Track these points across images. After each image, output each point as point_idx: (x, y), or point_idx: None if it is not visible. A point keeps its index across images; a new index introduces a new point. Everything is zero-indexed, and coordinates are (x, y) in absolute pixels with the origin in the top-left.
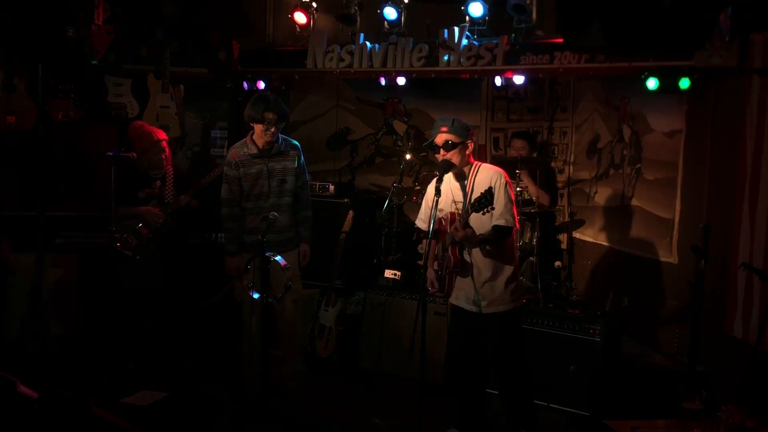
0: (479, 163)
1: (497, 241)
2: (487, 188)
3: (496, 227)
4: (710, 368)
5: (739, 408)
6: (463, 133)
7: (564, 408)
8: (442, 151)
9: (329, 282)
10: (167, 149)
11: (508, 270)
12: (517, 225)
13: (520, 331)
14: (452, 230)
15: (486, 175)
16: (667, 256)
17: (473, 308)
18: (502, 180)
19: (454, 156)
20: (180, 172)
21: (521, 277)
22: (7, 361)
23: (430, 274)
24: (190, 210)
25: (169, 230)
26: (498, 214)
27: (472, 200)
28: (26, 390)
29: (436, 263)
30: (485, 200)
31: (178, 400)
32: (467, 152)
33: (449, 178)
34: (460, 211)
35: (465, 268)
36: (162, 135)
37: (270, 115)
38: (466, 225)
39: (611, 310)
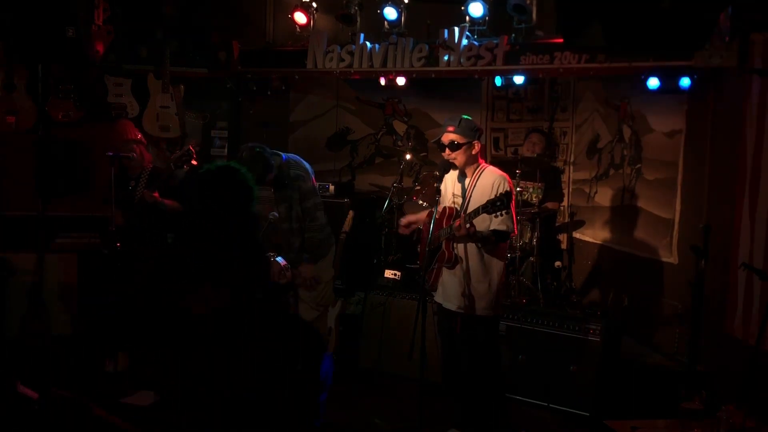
0: (485, 165)
1: (493, 243)
2: (504, 191)
3: (495, 231)
4: (710, 368)
5: (739, 408)
6: (470, 133)
7: (564, 408)
8: (447, 151)
9: None
10: (138, 149)
11: (495, 277)
12: (516, 232)
13: (495, 340)
14: (455, 226)
15: (489, 178)
16: (667, 256)
17: (453, 307)
18: (506, 185)
19: (458, 156)
20: (157, 173)
21: (522, 277)
22: (7, 361)
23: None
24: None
25: (141, 230)
26: (500, 220)
27: (484, 201)
28: (26, 390)
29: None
30: (501, 204)
31: (177, 400)
32: (473, 152)
33: (451, 174)
34: (458, 207)
35: (456, 264)
36: (133, 135)
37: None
38: (470, 224)
39: (611, 310)
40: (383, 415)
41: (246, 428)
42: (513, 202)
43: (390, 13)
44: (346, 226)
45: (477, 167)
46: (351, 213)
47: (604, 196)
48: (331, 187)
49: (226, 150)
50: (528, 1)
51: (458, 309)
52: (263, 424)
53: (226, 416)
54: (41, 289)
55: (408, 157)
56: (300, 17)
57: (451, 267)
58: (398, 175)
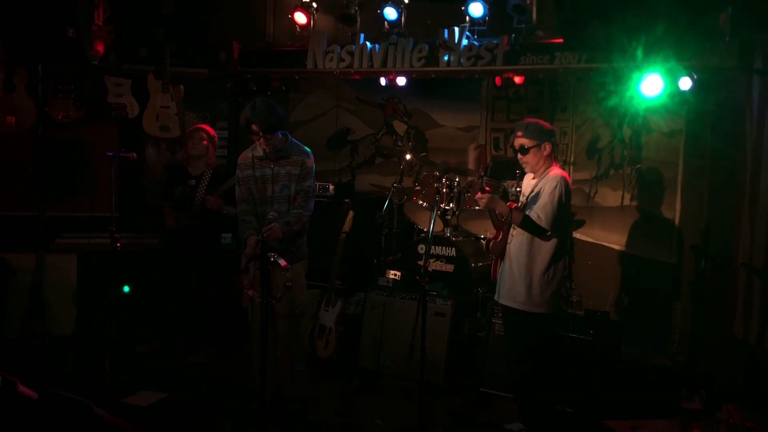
0: (554, 168)
1: (524, 229)
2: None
3: (525, 216)
4: (710, 368)
5: (739, 408)
6: (540, 135)
7: (563, 408)
8: (518, 155)
9: (329, 282)
10: (205, 142)
11: (536, 273)
12: (549, 230)
13: (531, 338)
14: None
15: (545, 179)
16: (667, 256)
17: (496, 295)
18: (554, 182)
19: (529, 159)
20: (220, 174)
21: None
22: (7, 361)
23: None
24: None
25: (192, 231)
26: (534, 207)
27: (536, 203)
28: (26, 390)
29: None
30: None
31: (178, 400)
32: (544, 154)
33: (527, 177)
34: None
35: (504, 250)
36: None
37: (253, 127)
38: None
39: (611, 310)
40: (383, 415)
41: None
42: (557, 197)
43: (390, 13)
44: (346, 226)
45: (546, 170)
46: (351, 213)
47: (604, 196)
48: (331, 187)
49: (226, 150)
50: (528, 1)
51: (497, 296)
52: None
53: None
54: (41, 289)
55: (408, 157)
56: (300, 17)
57: (500, 255)
58: (398, 175)
